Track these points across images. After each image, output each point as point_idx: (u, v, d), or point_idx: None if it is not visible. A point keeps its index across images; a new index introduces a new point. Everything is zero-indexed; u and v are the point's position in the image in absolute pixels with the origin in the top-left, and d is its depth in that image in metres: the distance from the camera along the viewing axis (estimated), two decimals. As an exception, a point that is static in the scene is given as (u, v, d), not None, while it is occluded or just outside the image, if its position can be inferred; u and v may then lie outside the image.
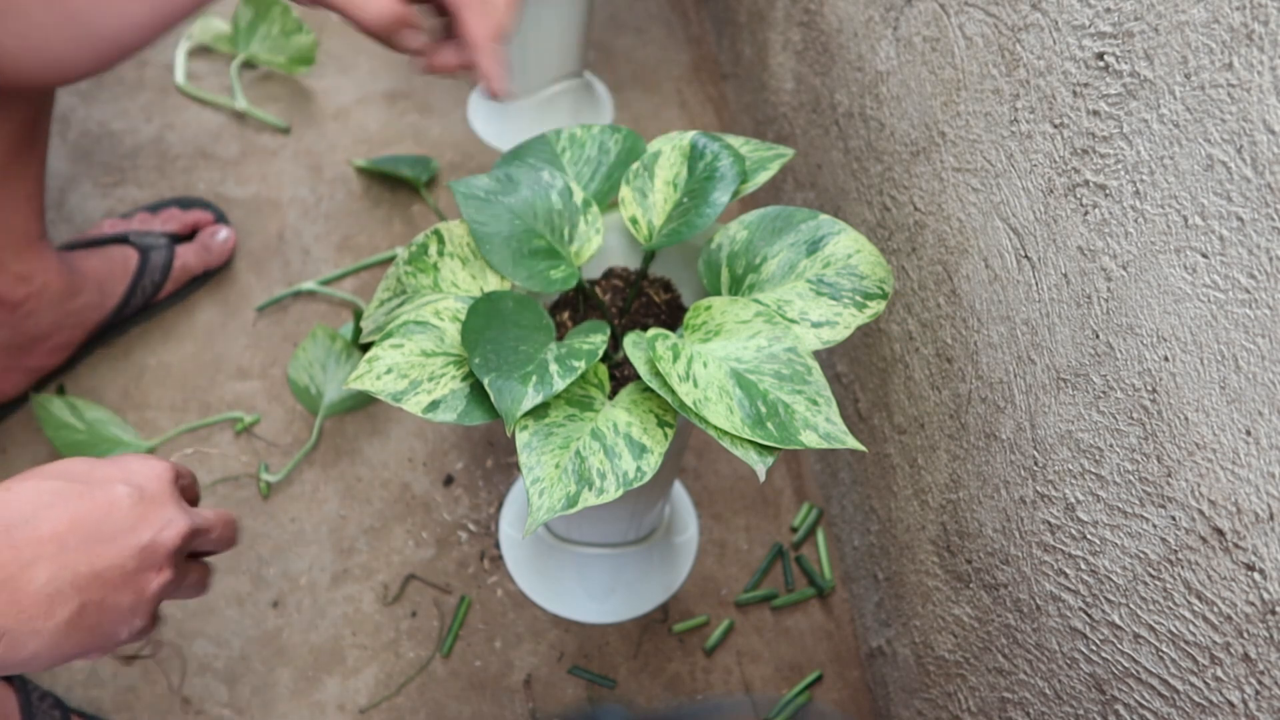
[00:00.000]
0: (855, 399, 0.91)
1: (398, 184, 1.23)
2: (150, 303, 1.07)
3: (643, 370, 0.60)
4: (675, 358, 0.59)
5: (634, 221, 0.70)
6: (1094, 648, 0.57)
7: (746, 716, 0.90)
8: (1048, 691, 0.63)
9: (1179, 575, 0.49)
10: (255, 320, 1.11)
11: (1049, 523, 0.60)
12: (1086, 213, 0.54)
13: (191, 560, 0.53)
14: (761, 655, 0.94)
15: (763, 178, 0.69)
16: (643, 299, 0.75)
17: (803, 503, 1.02)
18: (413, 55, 0.67)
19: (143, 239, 1.06)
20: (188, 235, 1.12)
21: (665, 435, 0.59)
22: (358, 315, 1.08)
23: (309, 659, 0.91)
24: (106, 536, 0.44)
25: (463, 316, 0.62)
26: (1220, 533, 0.46)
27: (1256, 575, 0.44)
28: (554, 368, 0.59)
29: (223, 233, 1.12)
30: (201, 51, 1.33)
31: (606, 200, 0.72)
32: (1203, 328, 0.46)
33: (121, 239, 1.06)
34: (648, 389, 0.61)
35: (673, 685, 0.92)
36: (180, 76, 1.29)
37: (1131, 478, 0.52)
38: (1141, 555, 0.52)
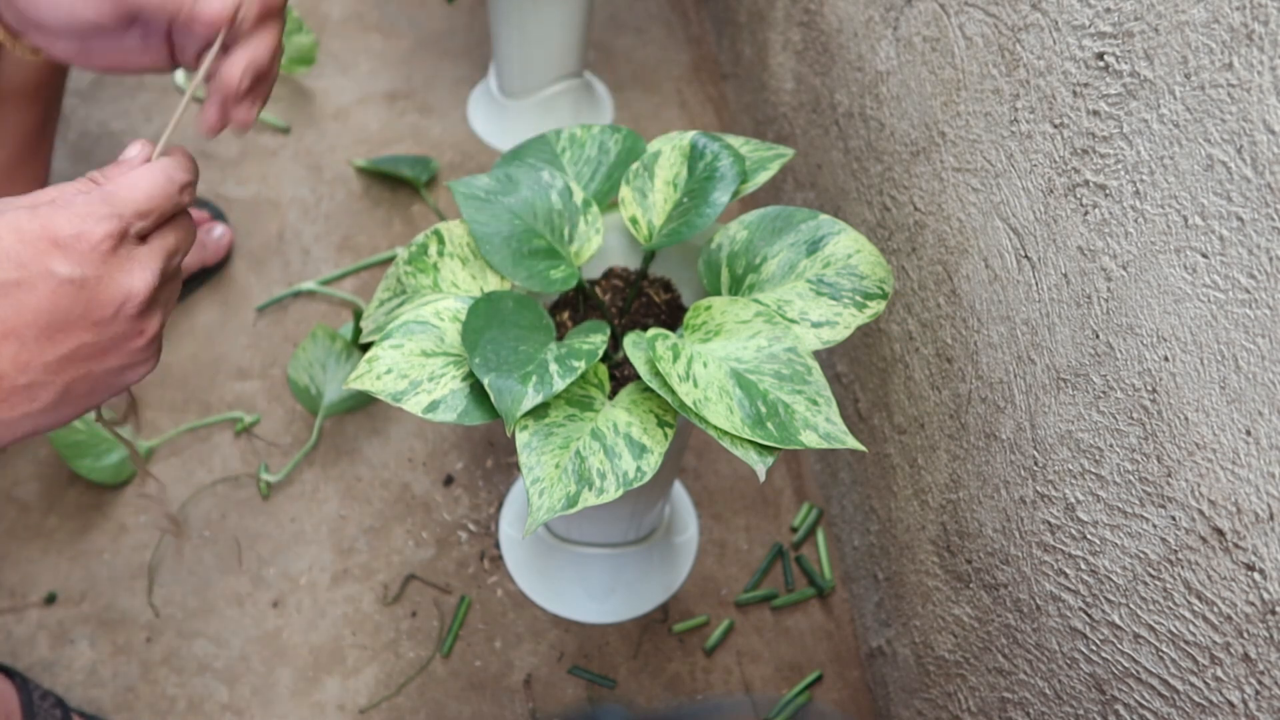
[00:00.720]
0: (855, 399, 0.91)
1: (398, 184, 1.23)
2: (149, 302, 1.07)
3: (643, 370, 0.60)
4: (675, 358, 0.59)
5: (634, 221, 0.70)
6: (1094, 648, 0.57)
7: (746, 716, 0.90)
8: (1048, 691, 0.63)
9: (1179, 575, 0.49)
10: (255, 320, 1.11)
11: (1049, 523, 0.60)
12: (1086, 213, 0.54)
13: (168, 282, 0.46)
14: (761, 655, 0.94)
15: (763, 178, 0.69)
16: (643, 299, 0.75)
17: (803, 503, 1.02)
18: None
19: None
20: None
21: (665, 435, 0.59)
22: (357, 315, 1.08)
23: (309, 659, 0.91)
24: (61, 325, 0.40)
25: (463, 316, 0.62)
26: (1220, 533, 0.46)
27: (1256, 575, 0.44)
28: (554, 368, 0.59)
29: (218, 229, 1.12)
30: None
31: (606, 200, 0.72)
32: (1203, 328, 0.46)
33: None
34: (648, 389, 0.61)
35: (673, 685, 0.92)
36: (180, 77, 1.29)
37: (1131, 478, 0.52)
38: (1141, 555, 0.52)
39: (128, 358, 0.43)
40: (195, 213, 1.13)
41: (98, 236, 0.41)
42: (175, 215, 0.46)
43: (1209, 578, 0.47)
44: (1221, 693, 0.48)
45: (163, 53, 0.49)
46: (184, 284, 1.10)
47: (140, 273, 0.42)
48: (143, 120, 1.25)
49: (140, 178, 0.44)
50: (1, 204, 0.41)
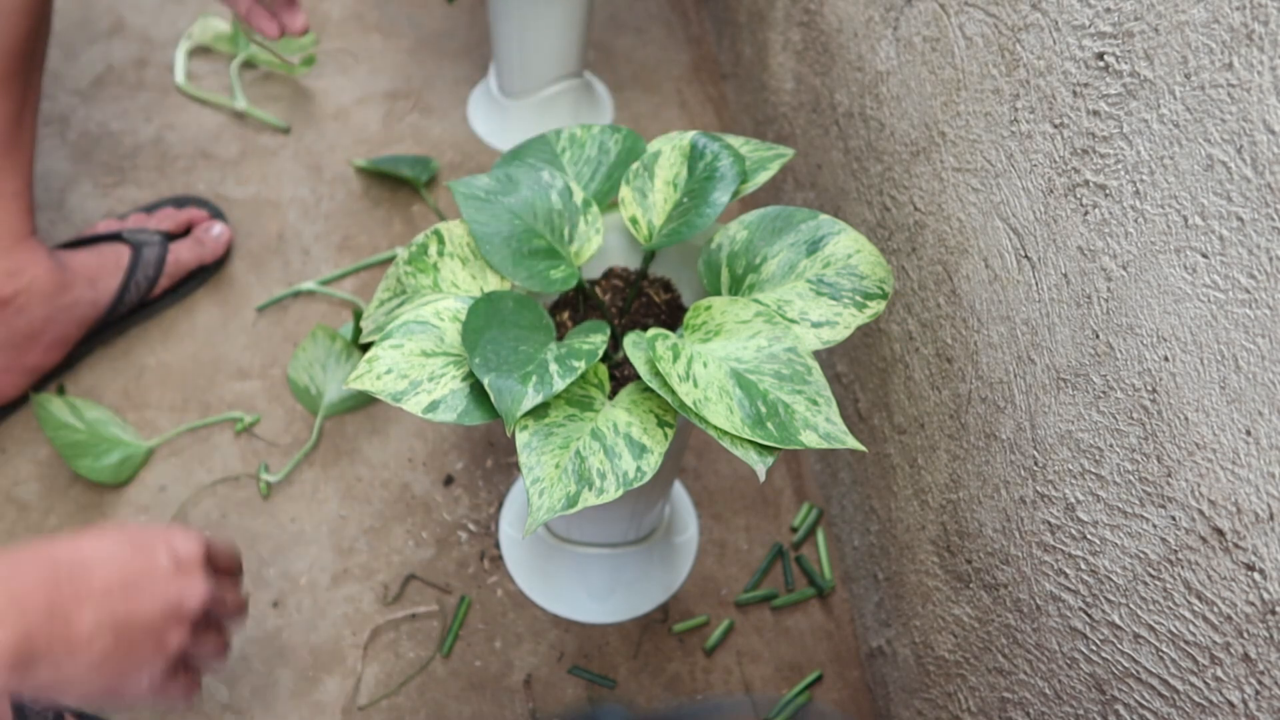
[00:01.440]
0: (855, 399, 0.91)
1: (398, 184, 1.23)
2: (147, 299, 1.07)
3: (643, 370, 0.60)
4: (675, 358, 0.59)
5: (634, 221, 0.70)
6: (1094, 648, 0.57)
7: (746, 716, 0.90)
8: (1048, 691, 0.63)
9: (1179, 575, 0.49)
10: (255, 320, 1.11)
11: (1049, 523, 0.60)
12: (1086, 213, 0.54)
13: (210, 631, 0.61)
14: (761, 655, 0.94)
15: (763, 178, 0.69)
16: (643, 299, 0.75)
17: (803, 503, 1.02)
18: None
19: (136, 235, 1.06)
20: (184, 233, 1.12)
21: (665, 435, 0.59)
22: (357, 315, 1.08)
23: (309, 659, 0.91)
24: (144, 591, 0.53)
25: (463, 316, 0.62)
26: (1220, 533, 0.46)
27: (1256, 575, 0.45)
28: (554, 368, 0.59)
29: (216, 228, 1.12)
30: (201, 51, 1.33)
31: (606, 200, 0.72)
32: (1203, 328, 0.46)
33: (114, 236, 1.06)
34: (648, 389, 0.61)
35: (673, 685, 0.92)
36: (180, 76, 1.29)
37: (1131, 478, 0.52)
38: (1141, 555, 0.52)
39: (154, 649, 0.54)
40: (195, 212, 1.13)
41: (196, 546, 0.58)
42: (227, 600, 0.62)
43: (1209, 578, 0.47)
44: (1221, 693, 0.48)
45: None
46: (183, 283, 1.10)
47: (205, 585, 0.57)
48: (143, 120, 1.25)
49: (219, 540, 0.62)
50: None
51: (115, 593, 0.51)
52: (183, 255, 1.08)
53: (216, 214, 1.15)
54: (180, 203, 1.15)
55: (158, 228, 1.10)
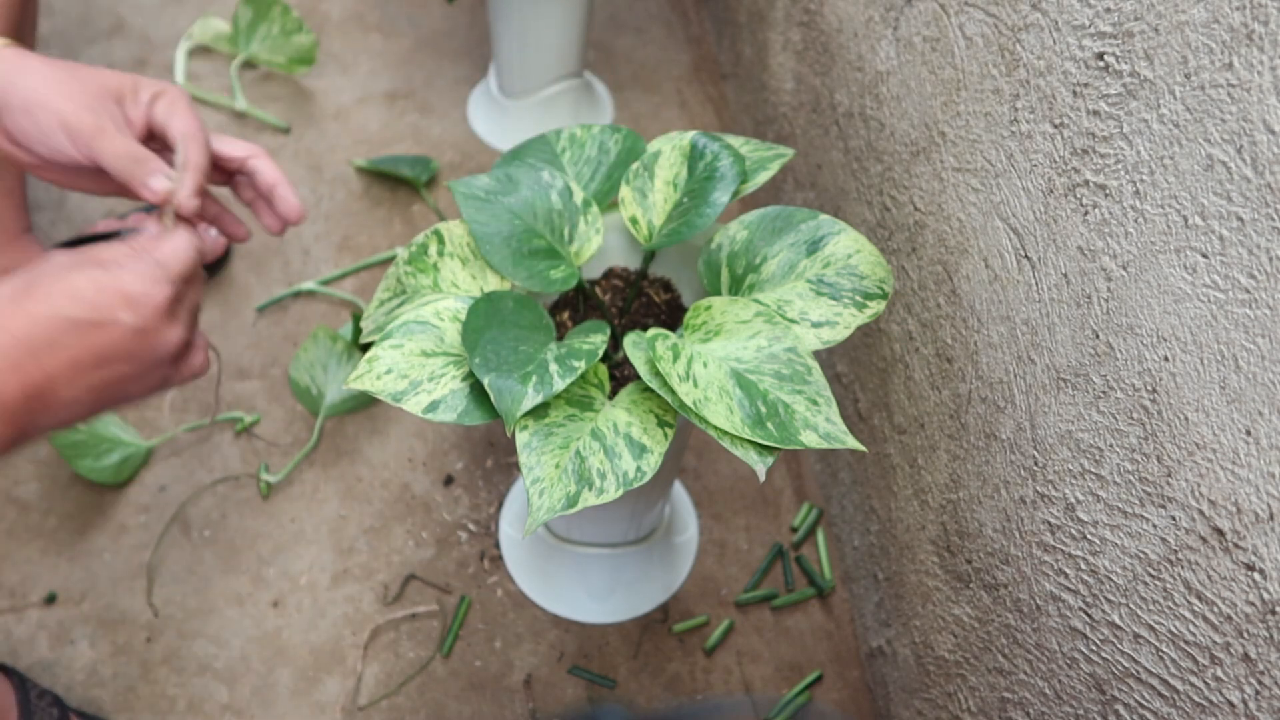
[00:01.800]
0: (855, 399, 0.91)
1: (398, 184, 1.23)
2: (147, 300, 1.07)
3: (643, 370, 0.60)
4: (675, 358, 0.59)
5: (634, 221, 0.70)
6: (1094, 648, 0.57)
7: (746, 716, 0.90)
8: (1048, 691, 0.63)
9: (1179, 575, 0.49)
10: (255, 320, 1.11)
11: (1049, 523, 0.60)
12: (1086, 213, 0.54)
13: (190, 349, 0.60)
14: (761, 655, 0.94)
15: (763, 178, 0.69)
16: (643, 299, 0.75)
17: (803, 503, 1.02)
18: (161, 205, 0.61)
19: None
20: None
21: (665, 435, 0.59)
22: (356, 316, 1.08)
23: (309, 659, 0.91)
24: (111, 357, 0.53)
25: (463, 316, 0.62)
26: (1220, 533, 0.46)
27: (1256, 575, 0.45)
28: (554, 368, 0.59)
29: (215, 229, 1.12)
30: (201, 51, 1.33)
31: (606, 200, 0.72)
32: (1203, 328, 0.46)
33: (113, 235, 1.06)
34: (648, 389, 0.61)
35: (673, 685, 0.92)
36: (180, 76, 1.29)
37: (1131, 478, 0.52)
38: (1141, 555, 0.52)
39: (141, 389, 0.56)
40: None
41: (160, 299, 0.54)
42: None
43: (1209, 578, 0.47)
44: (1221, 693, 0.48)
45: (119, 189, 0.62)
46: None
47: (180, 328, 0.56)
48: (143, 120, 1.25)
49: (180, 248, 0.57)
50: (77, 260, 0.54)
51: (84, 365, 0.52)
52: None
53: (216, 214, 1.15)
54: (180, 203, 1.15)
55: None
